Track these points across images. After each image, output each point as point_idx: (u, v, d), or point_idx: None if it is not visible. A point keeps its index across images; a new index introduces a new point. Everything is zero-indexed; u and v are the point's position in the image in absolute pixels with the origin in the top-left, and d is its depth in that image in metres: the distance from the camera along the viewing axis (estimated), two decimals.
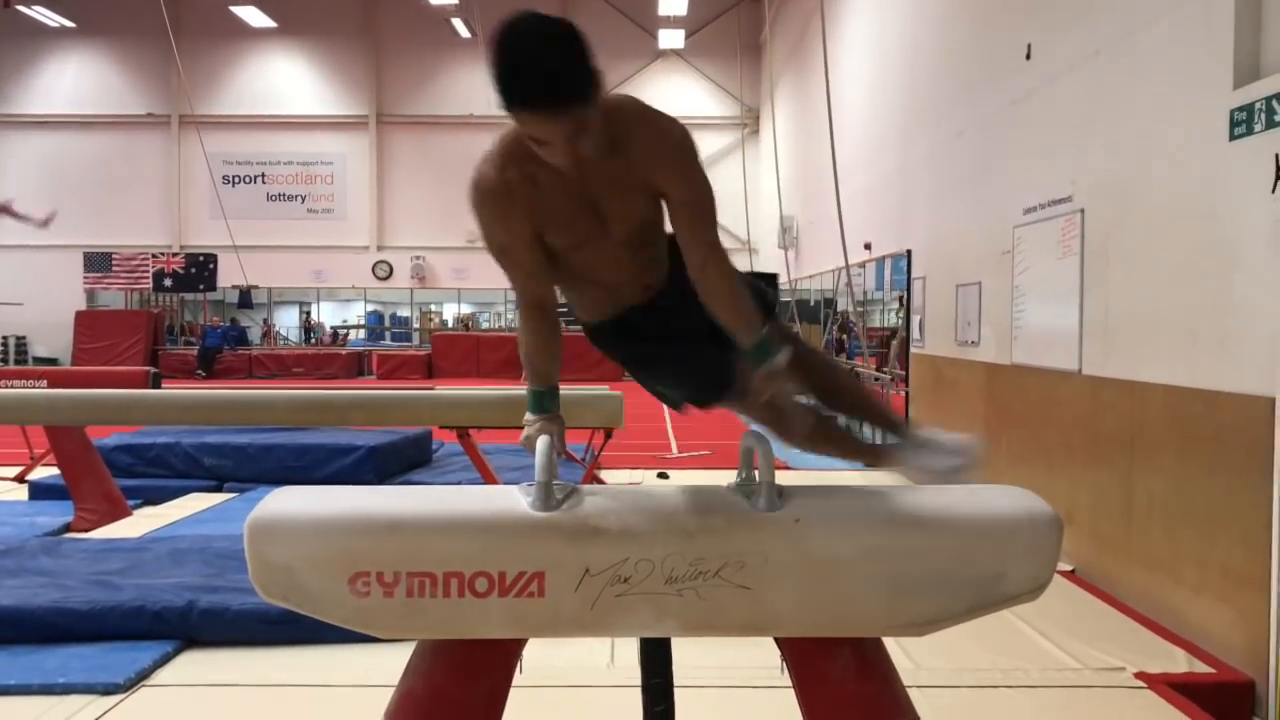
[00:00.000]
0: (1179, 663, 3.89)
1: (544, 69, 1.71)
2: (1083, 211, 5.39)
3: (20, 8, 22.80)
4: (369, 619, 1.81)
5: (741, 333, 2.09)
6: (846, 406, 2.43)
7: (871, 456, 2.41)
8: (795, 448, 2.35)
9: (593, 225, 2.04)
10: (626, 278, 2.21)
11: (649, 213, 2.09)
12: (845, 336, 16.09)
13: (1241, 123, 3.89)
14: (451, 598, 1.79)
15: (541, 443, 1.94)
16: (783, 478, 1.94)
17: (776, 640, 1.99)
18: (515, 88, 1.72)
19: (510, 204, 1.97)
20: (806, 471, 7.42)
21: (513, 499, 1.89)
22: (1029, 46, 6.32)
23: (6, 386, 7.82)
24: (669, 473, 8.34)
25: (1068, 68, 5.68)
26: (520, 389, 5.98)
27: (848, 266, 10.17)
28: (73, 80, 25.94)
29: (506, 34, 1.73)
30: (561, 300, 2.24)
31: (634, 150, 1.98)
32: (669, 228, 2.15)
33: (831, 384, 2.41)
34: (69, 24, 24.74)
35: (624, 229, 2.08)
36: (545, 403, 2.10)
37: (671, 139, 2.01)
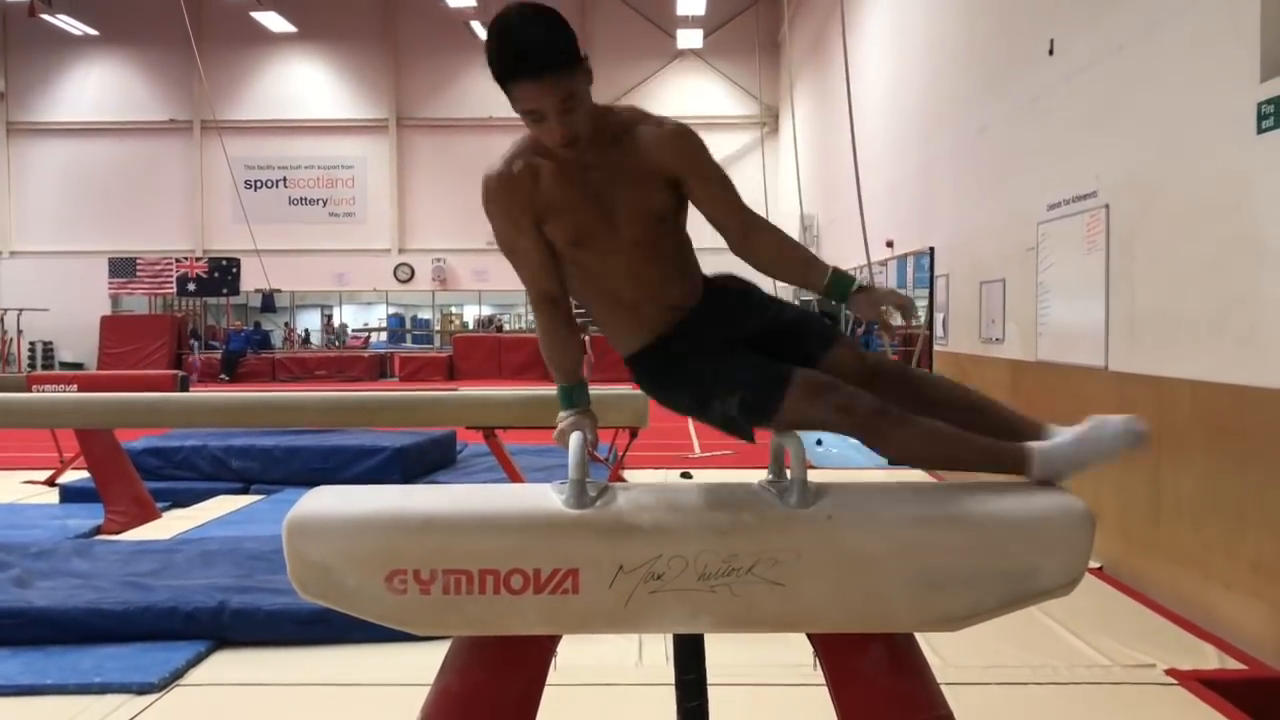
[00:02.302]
0: (1210, 659, 3.87)
1: (527, 36, 1.87)
2: (1107, 207, 5.36)
3: (44, 16, 23.04)
4: (406, 616, 1.83)
5: (812, 274, 2.10)
6: (961, 417, 2.05)
7: (1007, 457, 1.99)
8: (893, 457, 2.03)
9: (597, 220, 2.05)
10: (648, 292, 2.10)
11: (659, 205, 2.07)
12: (860, 331, 16.04)
13: (1270, 115, 3.86)
14: (487, 595, 1.81)
15: (574, 440, 1.95)
16: (812, 476, 1.95)
17: (809, 636, 2.00)
18: (505, 59, 1.87)
19: (513, 195, 2.04)
20: (835, 470, 7.41)
21: (546, 497, 1.91)
22: (1052, 41, 6.29)
23: (38, 390, 7.91)
24: (692, 472, 8.34)
25: (1091, 62, 5.66)
26: (543, 389, 5.99)
27: (870, 265, 10.14)
28: (96, 87, 26.21)
29: (496, 20, 1.90)
30: (578, 307, 2.23)
31: (637, 140, 2.05)
32: (692, 243, 2.16)
33: (932, 397, 2.07)
34: (92, 32, 24.99)
35: (633, 225, 2.06)
36: (575, 397, 2.11)
37: (672, 126, 2.07)
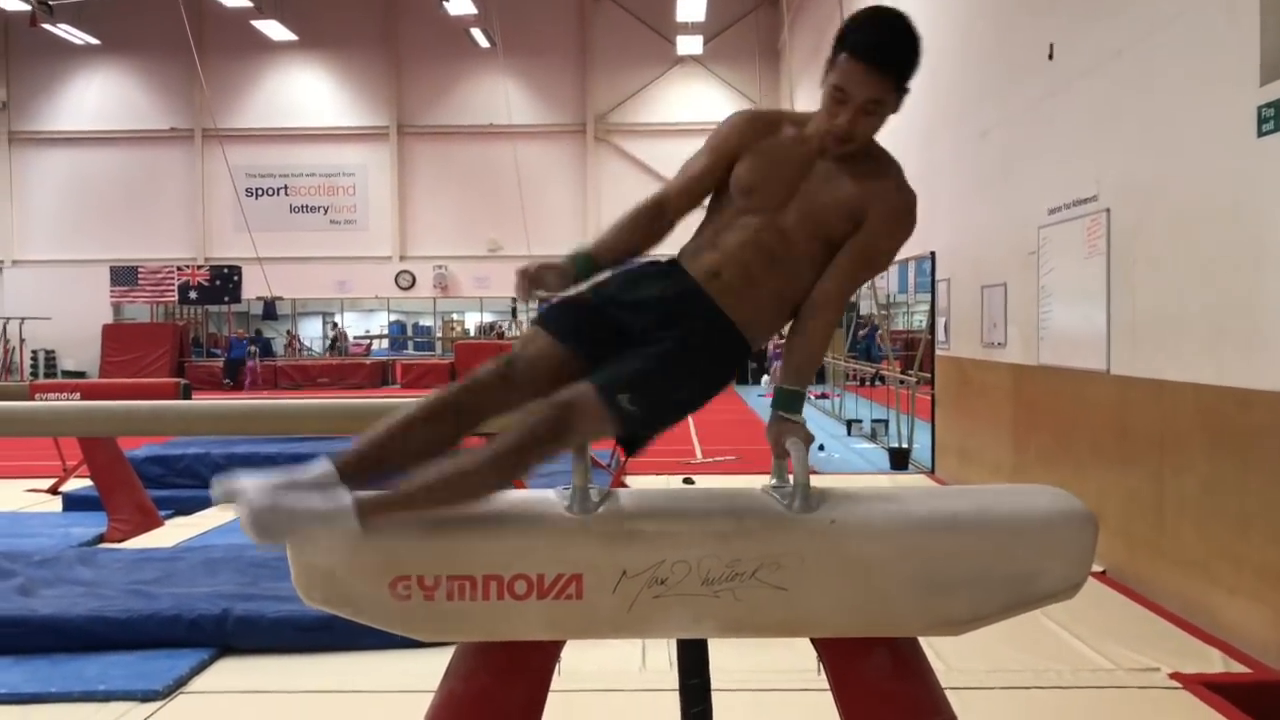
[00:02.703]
0: (1214, 663, 3.86)
1: (900, 34, 2.00)
2: (1108, 211, 5.37)
3: (46, 26, 23.08)
4: (410, 622, 1.84)
5: (792, 376, 2.06)
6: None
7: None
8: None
9: (781, 190, 2.05)
10: (725, 270, 2.03)
11: (829, 228, 2.04)
12: (860, 335, 16.02)
13: (1270, 119, 3.87)
14: (491, 600, 1.81)
15: (578, 450, 1.96)
16: (815, 481, 1.95)
17: (813, 641, 2.00)
18: (869, 36, 1.98)
19: (747, 125, 2.12)
20: (838, 475, 7.41)
21: (550, 502, 1.92)
22: (1051, 46, 6.30)
23: (41, 399, 7.92)
24: (694, 478, 8.34)
25: (1091, 67, 5.67)
26: None
27: None
28: (97, 97, 26.25)
29: (886, 11, 2.02)
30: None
31: (871, 178, 2.06)
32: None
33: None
34: (93, 41, 25.03)
35: (797, 217, 2.04)
36: (577, 259, 2.06)
37: (904, 194, 2.09)
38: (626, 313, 2.02)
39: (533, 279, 2.01)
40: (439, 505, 1.86)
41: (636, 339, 1.99)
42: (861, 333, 16.44)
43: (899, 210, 2.07)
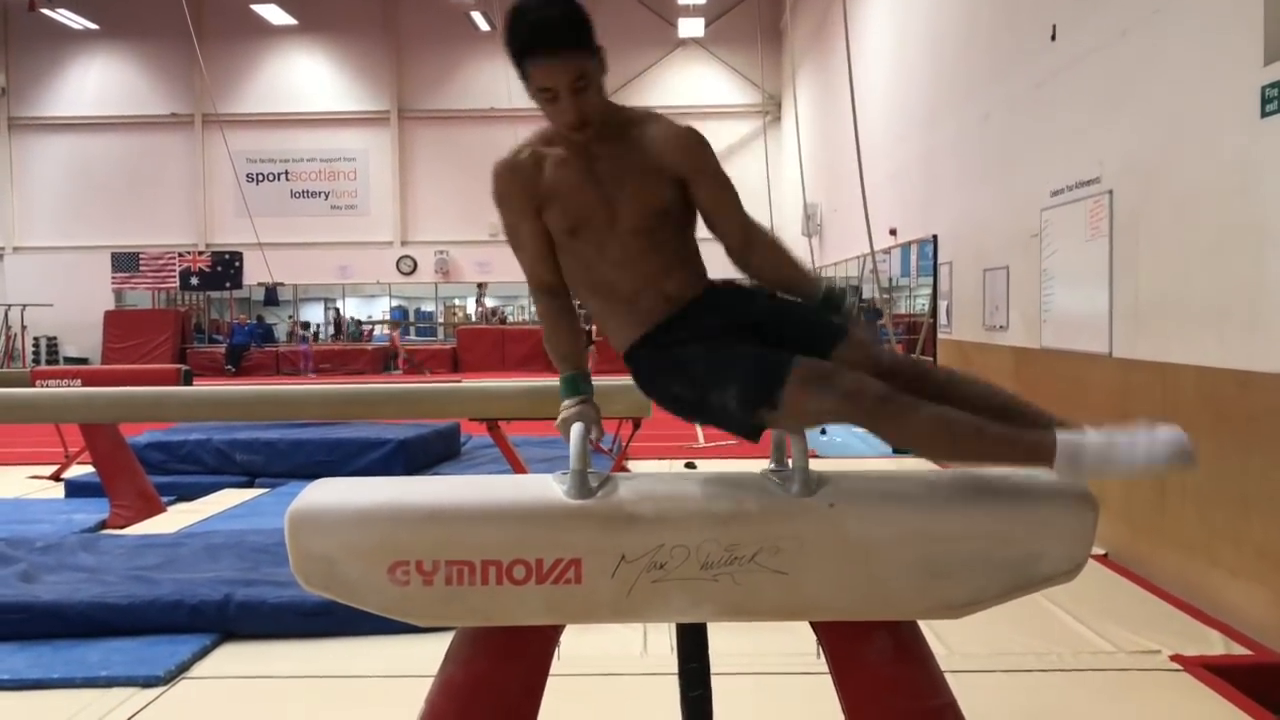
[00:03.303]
0: (1215, 645, 3.86)
1: (545, 15, 1.92)
2: (1111, 193, 5.35)
3: (44, 11, 23.01)
4: (409, 607, 1.83)
5: (807, 286, 2.11)
6: (987, 416, 1.94)
7: (1027, 446, 1.86)
8: (902, 445, 1.94)
9: (597, 207, 2.05)
10: (645, 281, 2.06)
11: (661, 199, 2.06)
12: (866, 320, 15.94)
13: (1274, 99, 3.84)
14: (490, 585, 1.81)
15: (575, 430, 1.95)
16: (814, 465, 1.94)
17: (812, 624, 2.00)
18: (521, 35, 1.93)
19: (517, 181, 2.08)
20: (838, 459, 7.40)
21: (548, 487, 1.91)
22: (1054, 27, 6.26)
23: (42, 386, 7.92)
24: (696, 463, 8.34)
25: (1094, 48, 5.63)
26: (547, 380, 5.97)
27: (873, 253, 10.13)
28: (97, 82, 26.18)
29: (515, 3, 1.96)
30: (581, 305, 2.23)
31: (647, 136, 2.08)
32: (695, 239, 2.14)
33: (953, 397, 1.93)
34: (92, 26, 24.97)
35: (632, 215, 2.05)
36: (579, 386, 2.08)
37: (683, 126, 2.11)
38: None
39: (565, 425, 2.02)
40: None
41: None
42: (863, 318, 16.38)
43: (685, 139, 2.09)
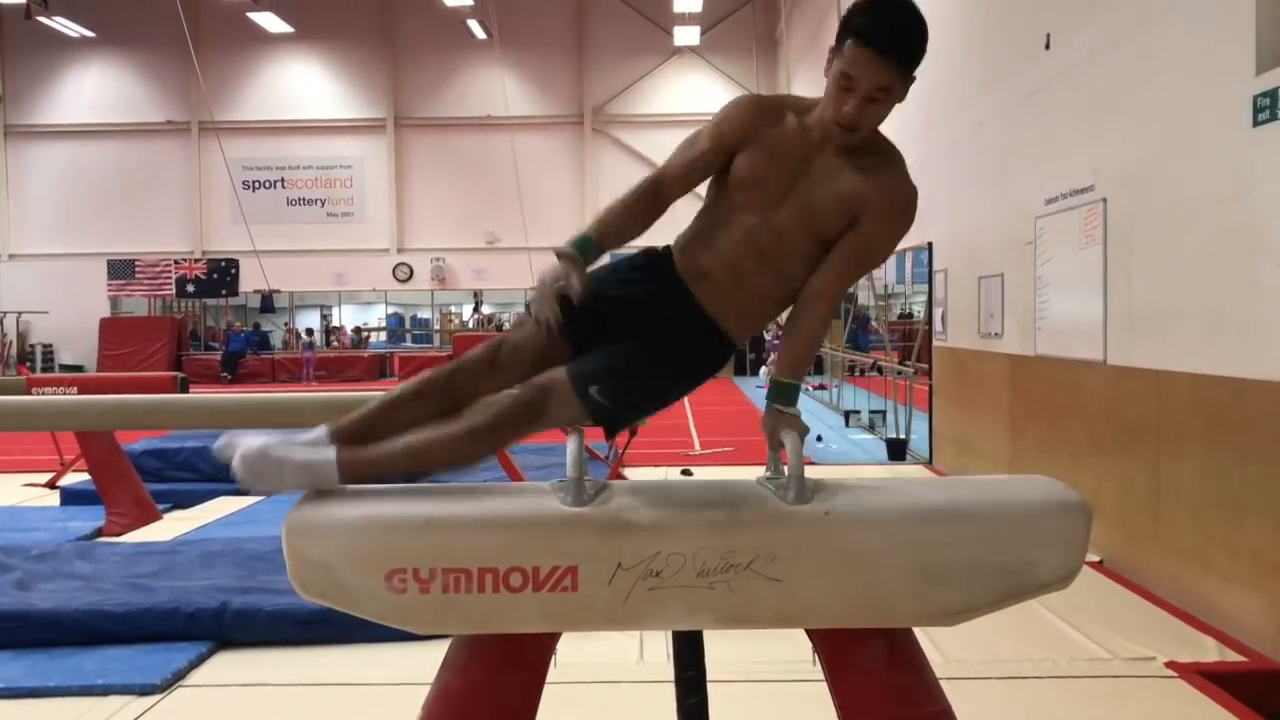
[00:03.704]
0: (1210, 652, 3.87)
1: (912, 23, 1.98)
2: (1105, 201, 5.37)
3: (41, 19, 23.01)
4: (406, 615, 1.84)
5: (788, 370, 2.08)
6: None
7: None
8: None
9: (778, 184, 2.03)
10: (728, 261, 2.04)
11: (825, 226, 2.03)
12: (855, 325, 15.91)
13: (1265, 108, 3.86)
14: (486, 593, 1.81)
15: (572, 442, 1.96)
16: (810, 472, 1.95)
17: (808, 632, 2.00)
18: (880, 24, 1.94)
19: (749, 113, 2.08)
20: (834, 466, 7.41)
21: (545, 495, 1.91)
22: (1048, 36, 6.29)
23: (38, 393, 7.91)
24: (692, 470, 8.35)
25: (1088, 56, 5.66)
26: None
27: None
28: (93, 89, 26.19)
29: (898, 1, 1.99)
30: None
31: (873, 169, 2.04)
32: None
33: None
34: (89, 34, 24.98)
35: (793, 214, 2.02)
36: (582, 246, 2.01)
37: (904, 189, 2.07)
38: (612, 305, 2.05)
39: (558, 291, 1.97)
40: (415, 469, 1.96)
41: (618, 331, 2.03)
42: (852, 324, 16.42)
43: (898, 206, 2.05)
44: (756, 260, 2.04)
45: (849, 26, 1.95)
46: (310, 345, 24.17)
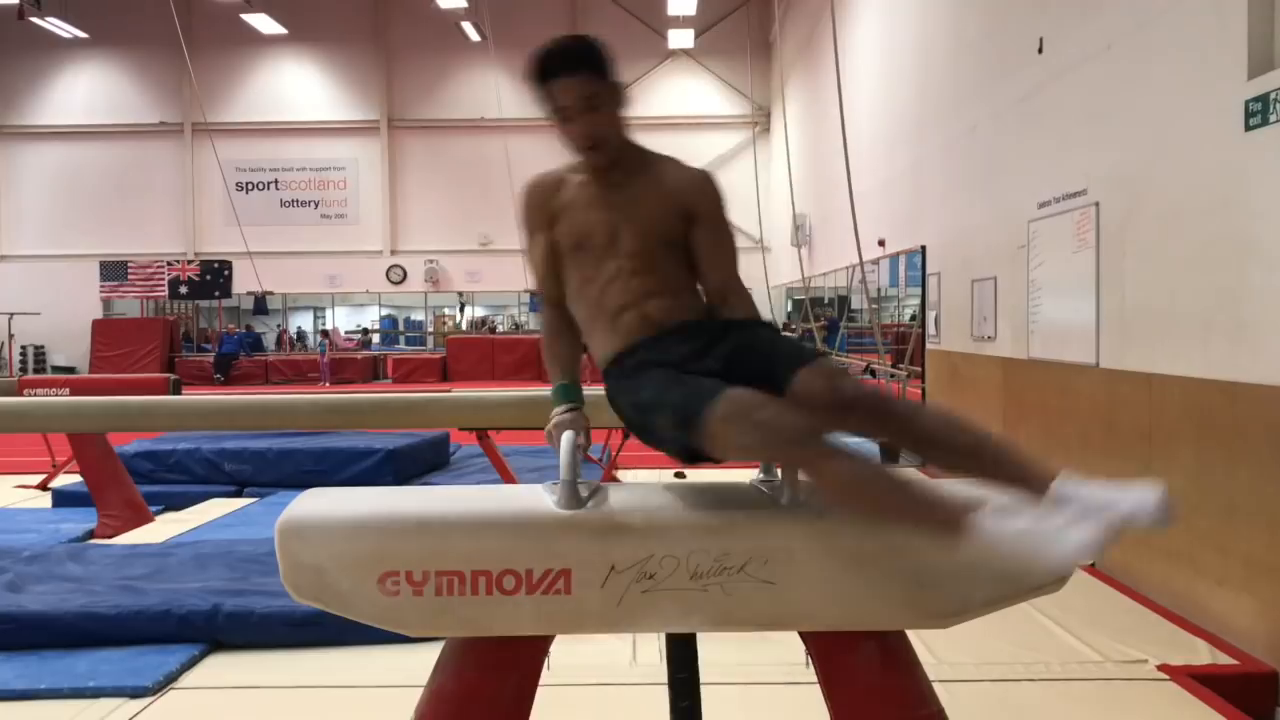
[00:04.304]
0: (1201, 654, 3.88)
1: (566, 43, 2.14)
2: (1097, 205, 5.38)
3: (34, 19, 22.95)
4: (399, 618, 1.84)
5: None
6: (953, 458, 1.88)
7: (938, 524, 1.78)
8: (825, 494, 1.88)
9: (602, 227, 2.15)
10: (630, 300, 2.11)
11: (666, 230, 2.16)
12: (815, 327, 15.78)
13: (1257, 113, 3.88)
14: (480, 596, 1.81)
15: (565, 440, 1.96)
16: (803, 476, 1.95)
17: (801, 634, 2.00)
18: (543, 59, 2.10)
19: (536, 197, 2.23)
20: None
21: (538, 498, 1.92)
22: (1041, 40, 6.31)
23: (30, 394, 7.89)
24: (686, 473, 8.34)
25: (1080, 61, 5.68)
26: (536, 390, 5.97)
27: (862, 263, 10.17)
28: (86, 91, 26.13)
29: (546, 43, 2.14)
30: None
31: (666, 173, 2.21)
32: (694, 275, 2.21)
33: (919, 432, 1.88)
34: (82, 35, 24.91)
35: (634, 239, 2.13)
36: (570, 394, 2.17)
37: (701, 171, 2.24)
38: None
39: (555, 432, 2.09)
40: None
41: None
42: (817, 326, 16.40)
43: (703, 181, 2.21)
44: (654, 276, 2.14)
45: (532, 82, 2.11)
46: (323, 347, 24.10)
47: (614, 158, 2.16)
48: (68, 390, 8.16)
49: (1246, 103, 3.94)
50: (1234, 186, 4.09)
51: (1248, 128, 3.94)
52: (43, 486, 8.05)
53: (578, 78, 2.08)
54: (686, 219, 2.17)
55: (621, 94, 2.15)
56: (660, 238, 2.15)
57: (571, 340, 2.24)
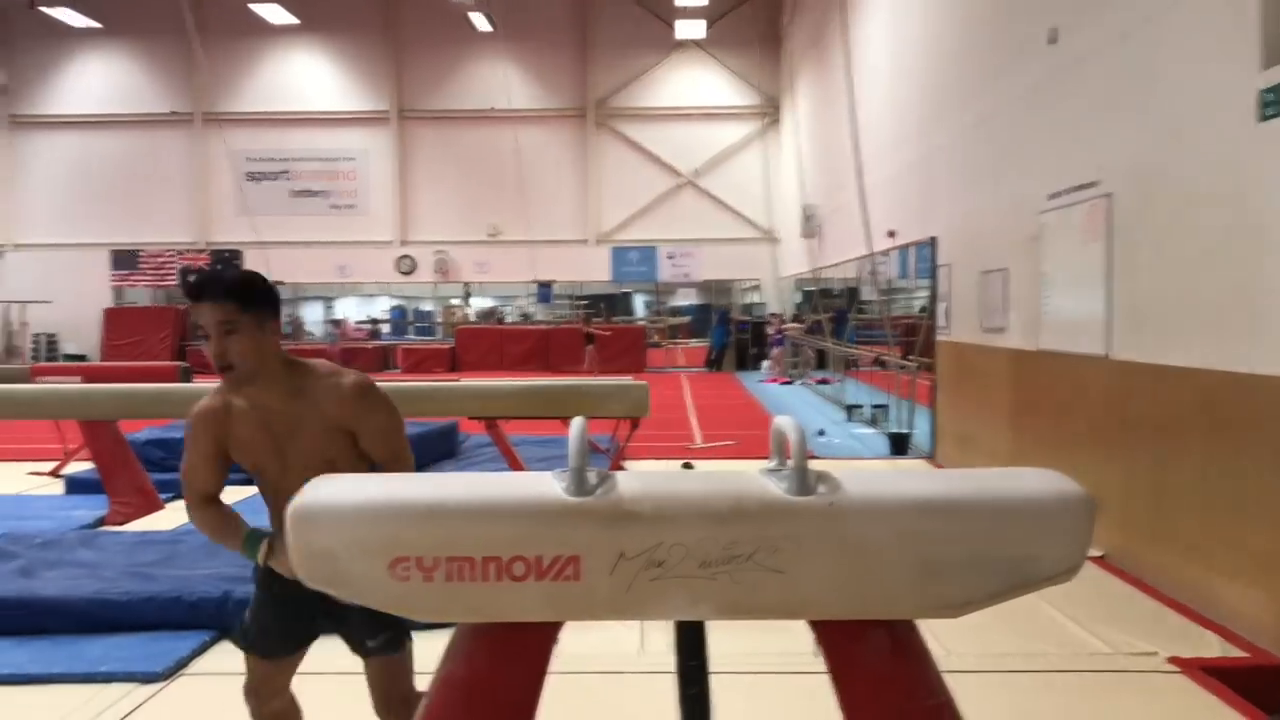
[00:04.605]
0: (1212, 647, 3.88)
1: (211, 275, 2.40)
2: (1109, 196, 5.36)
3: (45, 9, 22.99)
4: (409, 603, 1.84)
5: None
6: None
7: None
8: None
9: (271, 455, 2.43)
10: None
11: (330, 453, 2.42)
12: (772, 322, 15.80)
13: (1271, 103, 3.86)
14: (490, 582, 1.81)
15: (575, 426, 1.96)
16: (813, 465, 1.95)
17: (810, 623, 2.00)
18: (197, 285, 2.37)
19: (207, 425, 2.48)
20: (838, 461, 7.41)
21: (548, 485, 1.91)
22: (1053, 30, 6.28)
23: (43, 382, 7.92)
24: (694, 463, 8.35)
25: (1093, 51, 5.65)
26: (546, 380, 5.95)
27: (872, 254, 10.14)
28: (97, 80, 26.17)
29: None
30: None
31: (318, 394, 2.43)
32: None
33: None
34: (93, 24, 24.95)
35: (300, 468, 2.34)
36: (257, 534, 2.47)
37: (352, 381, 2.46)
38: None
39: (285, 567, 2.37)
40: None
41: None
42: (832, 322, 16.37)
43: (358, 396, 2.44)
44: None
45: (186, 299, 2.40)
46: (334, 337, 24.16)
47: (248, 378, 2.37)
48: (80, 378, 8.19)
49: (1261, 93, 3.92)
50: (1248, 177, 4.07)
51: (1262, 118, 3.92)
52: (55, 473, 8.09)
53: (216, 305, 2.33)
54: (349, 435, 2.43)
55: (266, 322, 2.37)
56: (326, 460, 2.39)
57: (230, 516, 2.52)
